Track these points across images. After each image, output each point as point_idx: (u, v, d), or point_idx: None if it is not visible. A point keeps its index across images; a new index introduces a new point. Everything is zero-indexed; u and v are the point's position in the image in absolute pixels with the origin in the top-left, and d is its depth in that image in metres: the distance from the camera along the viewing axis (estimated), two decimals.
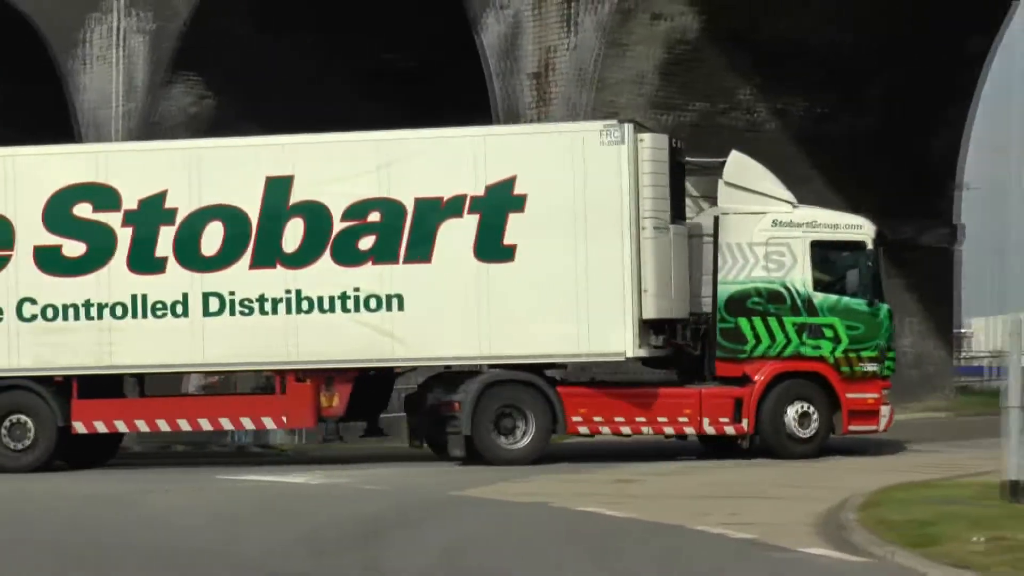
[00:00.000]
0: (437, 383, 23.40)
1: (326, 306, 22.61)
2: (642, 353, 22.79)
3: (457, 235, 22.51)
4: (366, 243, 22.63)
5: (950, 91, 33.78)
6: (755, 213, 23.34)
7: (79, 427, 23.05)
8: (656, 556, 13.71)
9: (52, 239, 23.03)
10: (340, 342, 22.59)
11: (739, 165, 23.71)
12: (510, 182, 22.48)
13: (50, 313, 22.92)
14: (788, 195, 23.75)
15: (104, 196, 23.00)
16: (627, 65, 30.42)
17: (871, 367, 23.57)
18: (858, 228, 24.11)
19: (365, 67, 37.13)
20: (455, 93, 33.66)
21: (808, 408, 23.17)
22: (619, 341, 22.42)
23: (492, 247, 22.45)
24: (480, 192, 22.52)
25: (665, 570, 13.16)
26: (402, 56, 37.20)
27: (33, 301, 22.95)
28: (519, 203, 22.45)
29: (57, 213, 23.01)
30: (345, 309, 22.56)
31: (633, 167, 22.30)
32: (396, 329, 22.58)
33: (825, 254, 23.80)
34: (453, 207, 22.56)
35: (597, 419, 22.99)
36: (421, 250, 22.50)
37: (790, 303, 23.37)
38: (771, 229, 23.40)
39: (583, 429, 23.14)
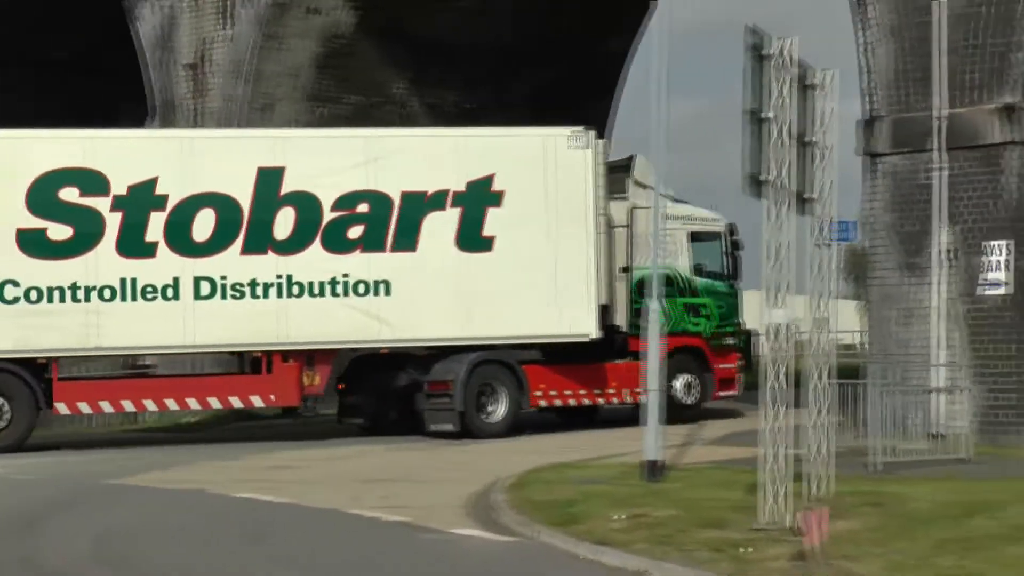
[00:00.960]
0: (410, 365, 25.11)
1: (316, 291, 23.92)
2: (599, 334, 25.12)
3: (440, 227, 24.44)
4: (355, 232, 24.14)
5: (594, 88, 34.99)
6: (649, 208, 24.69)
7: (61, 408, 23.54)
8: (310, 539, 14.00)
9: (36, 222, 23.08)
10: (329, 325, 23.89)
11: (642, 166, 25.89)
12: (489, 179, 24.69)
13: (34, 295, 22.98)
14: (670, 192, 24.78)
15: (92, 181, 23.30)
16: (283, 58, 30.63)
17: (731, 340, 27.49)
18: (716, 221, 27.62)
19: (30, 59, 36.30)
20: (115, 84, 33.34)
21: (692, 379, 26.61)
22: (586, 324, 24.95)
23: (472, 238, 24.52)
24: (462, 188, 24.61)
25: (318, 552, 13.45)
26: (62, 46, 36.47)
27: (16, 283, 22.96)
28: (496, 199, 24.65)
29: (42, 197, 23.11)
30: (335, 294, 24.00)
31: (594, 169, 24.98)
32: (383, 312, 24.13)
33: (698, 243, 27.21)
34: (436, 201, 24.50)
35: (552, 393, 25.59)
36: (407, 240, 24.24)
37: (677, 286, 26.41)
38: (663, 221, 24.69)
39: (542, 403, 25.66)
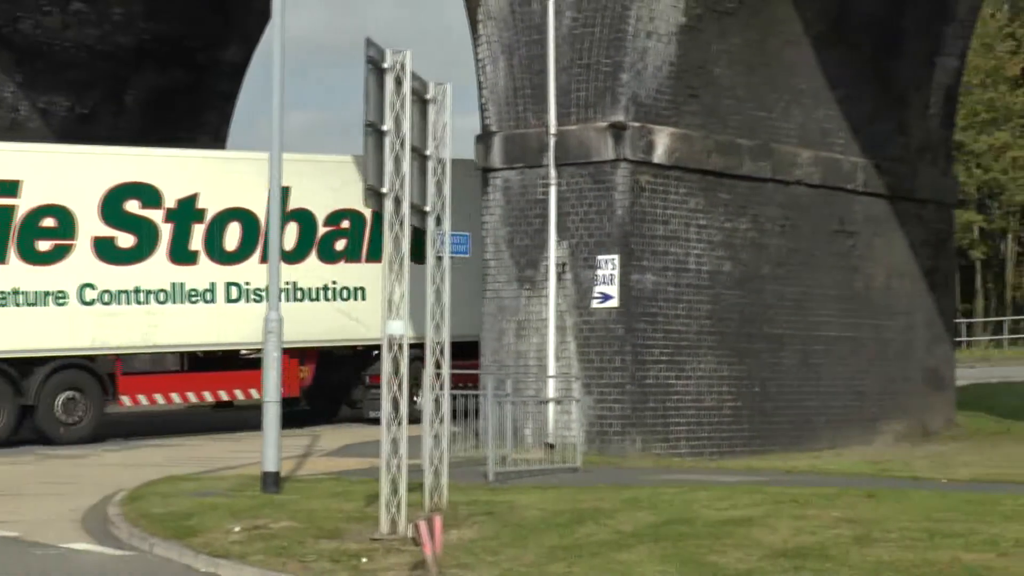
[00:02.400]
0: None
1: (313, 295, 27.15)
2: None
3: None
4: (340, 245, 27.53)
5: (212, 97, 34.62)
6: None
7: (126, 400, 26.01)
8: None
9: (108, 231, 25.24)
10: (322, 325, 27.09)
11: None
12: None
13: (106, 297, 25.03)
14: None
15: (148, 194, 25.68)
16: None
17: None
18: None
19: None
20: None
21: None
22: None
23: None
24: None
25: None
26: None
27: (92, 287, 24.96)
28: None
29: (111, 208, 25.28)
30: (326, 298, 27.36)
31: None
32: (360, 315, 27.18)
33: None
34: None
35: None
36: (378, 252, 25.62)
37: None
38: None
39: None
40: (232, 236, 26.40)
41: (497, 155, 22.38)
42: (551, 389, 21.54)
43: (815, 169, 24.33)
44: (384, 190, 13.61)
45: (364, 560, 12.57)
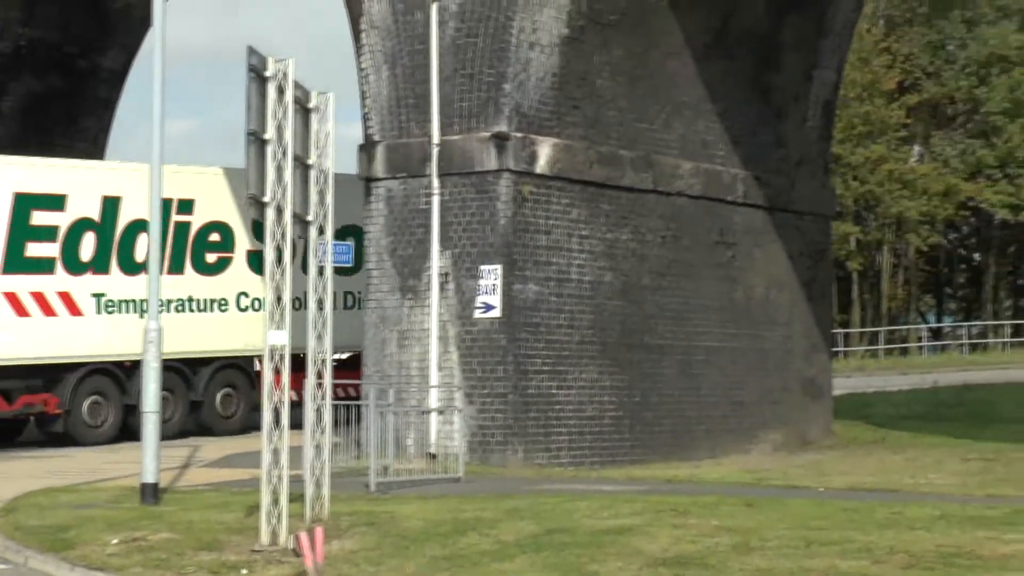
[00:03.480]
0: None
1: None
2: None
3: None
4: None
5: (91, 103, 34.20)
6: None
7: None
8: None
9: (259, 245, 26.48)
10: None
11: None
12: None
13: (257, 305, 27.60)
14: None
15: None
16: None
17: None
18: None
19: None
20: None
21: None
22: None
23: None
24: None
25: None
26: None
27: (246, 295, 28.19)
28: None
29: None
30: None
31: None
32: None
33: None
34: None
35: None
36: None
37: None
38: None
39: None
40: None
41: (380, 165, 22.35)
42: (433, 399, 21.54)
43: (696, 180, 24.56)
44: (266, 199, 13.54)
45: (244, 572, 12.49)
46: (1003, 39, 64.43)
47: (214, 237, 28.04)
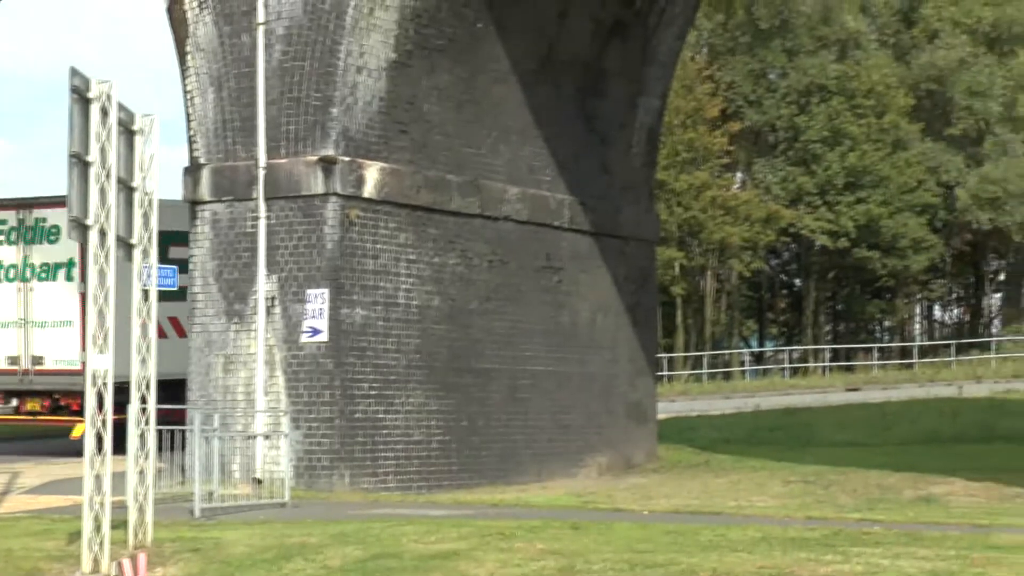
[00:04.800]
0: None
1: None
2: None
3: None
4: None
5: None
6: None
7: None
8: None
9: None
10: None
11: None
12: None
13: None
14: None
15: None
16: None
17: None
18: None
19: None
20: None
21: None
22: None
23: None
24: None
25: None
26: None
27: None
28: None
29: None
30: None
31: None
32: None
33: None
34: None
35: None
36: None
37: None
38: None
39: None
40: None
41: (206, 188, 22.15)
42: (259, 424, 21.37)
43: (522, 206, 24.74)
44: (89, 222, 13.35)
45: None
46: (822, 69, 66.01)
47: None
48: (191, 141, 22.41)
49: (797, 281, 73.65)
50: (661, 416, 29.84)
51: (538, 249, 25.24)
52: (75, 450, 27.57)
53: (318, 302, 21.25)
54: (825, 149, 65.23)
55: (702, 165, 62.61)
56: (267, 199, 21.63)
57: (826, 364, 65.01)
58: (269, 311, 21.53)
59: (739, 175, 69.89)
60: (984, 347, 68.28)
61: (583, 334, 26.28)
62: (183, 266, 27.35)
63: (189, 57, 22.30)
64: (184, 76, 22.37)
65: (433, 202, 22.88)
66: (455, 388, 23.16)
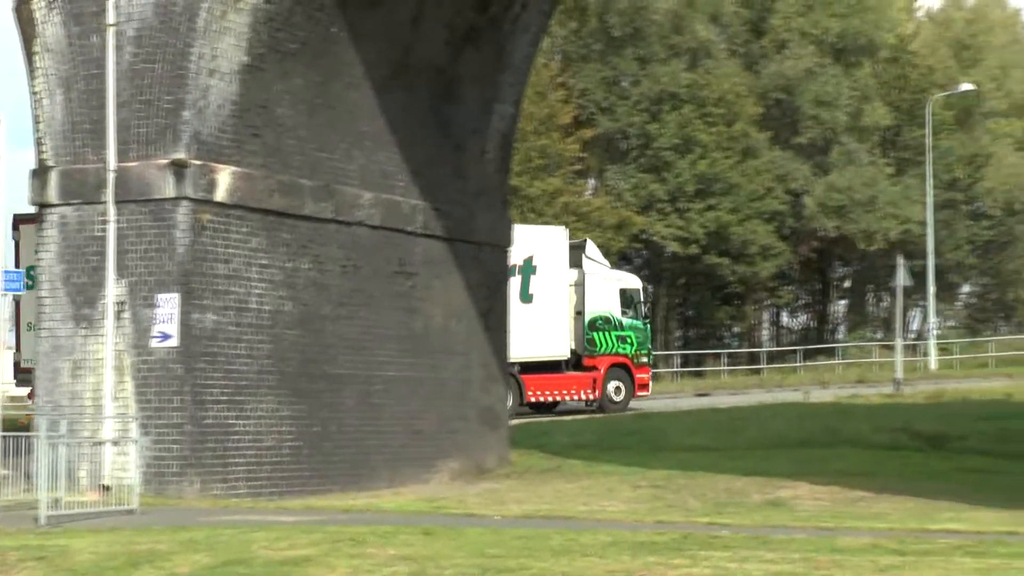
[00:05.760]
0: None
1: None
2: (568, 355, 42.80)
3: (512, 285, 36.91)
4: None
5: None
6: (596, 274, 44.05)
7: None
8: None
9: None
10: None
11: (591, 246, 45.08)
12: (531, 258, 42.14)
13: None
14: (606, 262, 45.97)
15: None
16: None
17: (645, 359, 45.31)
18: (635, 280, 46.45)
19: None
20: None
21: (620, 384, 43.94)
22: (564, 348, 42.63)
23: (526, 294, 41.72)
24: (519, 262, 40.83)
25: None
26: None
27: None
28: (534, 270, 42.40)
29: None
30: None
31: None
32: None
33: (624, 295, 44.60)
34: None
35: (538, 392, 41.71)
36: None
37: (613, 323, 44.02)
38: (604, 282, 44.19)
39: (533, 399, 41.65)
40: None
41: (53, 191, 21.81)
42: (108, 430, 21.09)
43: (376, 211, 24.71)
44: None
45: None
46: (673, 77, 66.77)
47: None
48: (39, 143, 22.05)
49: (649, 287, 74.35)
50: (514, 421, 29.94)
51: (391, 254, 25.23)
52: None
53: (168, 307, 21.04)
54: (676, 156, 66.00)
55: (555, 171, 62.99)
56: (117, 202, 21.37)
57: (677, 370, 65.77)
58: (118, 316, 21.27)
59: (592, 181, 70.44)
60: (830, 353, 69.63)
61: (436, 339, 26.31)
62: None
63: (37, 57, 21.96)
64: (32, 77, 22.03)
65: (286, 207, 22.77)
66: (307, 394, 23.06)
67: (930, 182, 67.32)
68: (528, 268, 41.35)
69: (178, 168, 21.08)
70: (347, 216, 24.07)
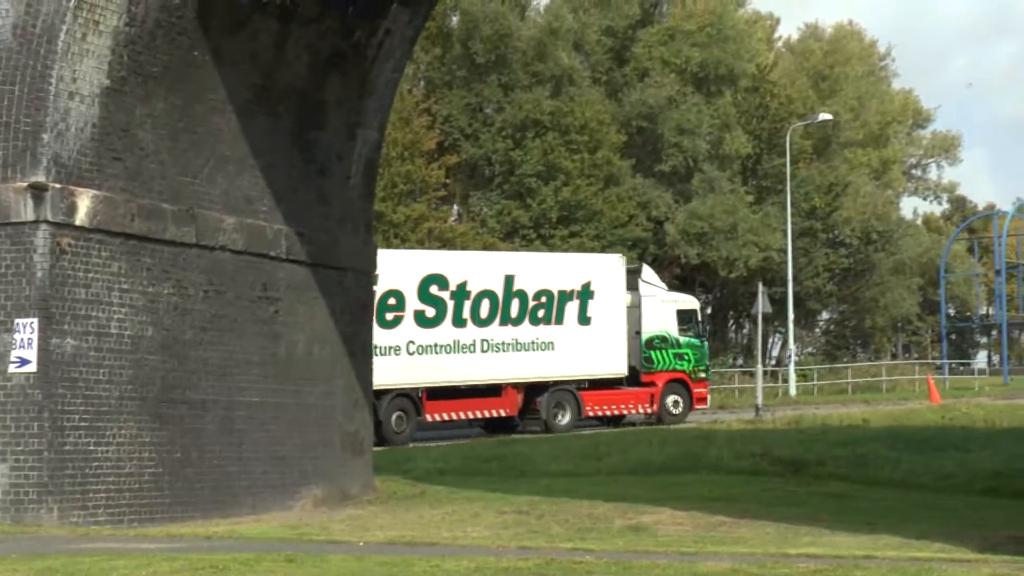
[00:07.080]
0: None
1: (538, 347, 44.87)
2: (626, 372, 46.99)
3: (570, 309, 46.05)
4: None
5: None
6: (652, 296, 47.87)
7: (428, 418, 42.79)
8: None
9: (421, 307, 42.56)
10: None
11: (647, 270, 49.22)
12: (588, 283, 46.75)
13: (419, 351, 42.31)
14: (663, 285, 49.99)
15: (441, 281, 42.88)
16: None
17: (703, 375, 49.25)
18: (692, 301, 50.42)
19: None
20: None
21: (678, 398, 48.16)
22: (622, 366, 46.69)
23: (585, 317, 46.10)
24: (577, 287, 47.00)
25: None
26: None
27: (413, 343, 42.34)
28: (592, 295, 46.82)
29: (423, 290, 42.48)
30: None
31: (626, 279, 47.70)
32: (552, 360, 45.10)
33: (681, 315, 48.47)
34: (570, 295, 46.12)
35: (596, 407, 46.10)
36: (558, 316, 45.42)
37: (669, 342, 48.04)
38: (660, 304, 47.96)
39: (591, 413, 45.96)
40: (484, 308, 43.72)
41: None
42: None
43: (239, 235, 24.55)
44: None
45: None
46: (537, 104, 67.20)
47: (391, 301, 41.52)
48: None
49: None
50: (377, 448, 29.82)
51: (255, 279, 25.07)
52: None
53: (27, 332, 20.71)
54: (540, 183, 66.42)
55: (419, 197, 63.07)
56: None
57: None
58: None
59: (456, 208, 70.59)
60: None
61: (300, 365, 26.17)
62: None
63: None
64: None
65: (147, 231, 22.54)
66: (169, 419, 22.82)
67: (789, 210, 68.44)
68: (586, 293, 45.47)
69: (37, 191, 20.79)
70: (210, 240, 23.89)
